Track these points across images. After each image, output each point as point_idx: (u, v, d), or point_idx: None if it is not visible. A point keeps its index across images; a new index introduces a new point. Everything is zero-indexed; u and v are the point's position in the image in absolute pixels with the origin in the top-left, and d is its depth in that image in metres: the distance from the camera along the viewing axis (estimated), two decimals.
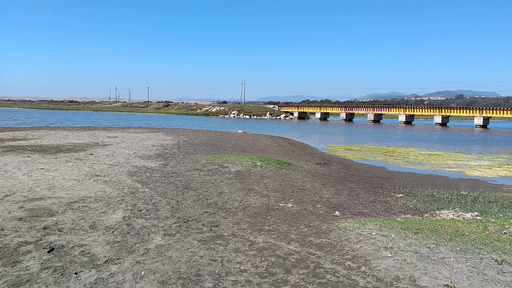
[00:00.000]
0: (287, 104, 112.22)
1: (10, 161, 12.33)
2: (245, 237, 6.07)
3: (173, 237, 5.97)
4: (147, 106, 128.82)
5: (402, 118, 77.60)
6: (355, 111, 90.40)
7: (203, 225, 6.64)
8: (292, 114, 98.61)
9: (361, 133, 46.55)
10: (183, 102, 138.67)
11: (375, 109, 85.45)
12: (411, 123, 77.21)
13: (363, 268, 4.95)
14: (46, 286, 4.25)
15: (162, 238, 5.90)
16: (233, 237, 6.08)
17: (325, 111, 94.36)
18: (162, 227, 6.43)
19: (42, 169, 11.17)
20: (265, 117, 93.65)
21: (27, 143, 18.12)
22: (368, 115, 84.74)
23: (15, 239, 5.56)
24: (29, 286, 4.23)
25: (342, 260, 5.21)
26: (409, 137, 39.77)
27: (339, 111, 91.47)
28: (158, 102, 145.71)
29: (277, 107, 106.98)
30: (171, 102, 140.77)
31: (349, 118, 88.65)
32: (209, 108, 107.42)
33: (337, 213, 7.75)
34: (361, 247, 5.68)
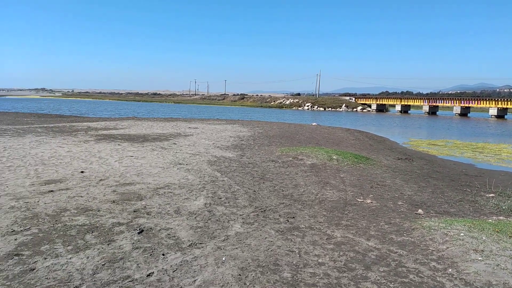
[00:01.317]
0: (364, 96, 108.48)
1: (103, 149, 13.52)
2: (322, 231, 6.03)
3: (251, 225, 6.13)
4: (224, 98, 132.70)
5: (493, 111, 70.69)
6: (439, 104, 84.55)
7: (279, 215, 6.71)
8: (369, 106, 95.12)
9: (446, 127, 43.49)
10: (257, 95, 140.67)
11: (462, 101, 79.06)
12: (503, 117, 70.13)
13: (450, 270, 4.67)
14: (138, 264, 4.62)
15: (241, 226, 6.09)
16: (310, 229, 6.07)
17: (406, 103, 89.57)
18: (240, 215, 6.62)
19: (131, 156, 12.09)
20: (341, 110, 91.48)
21: (117, 132, 19.70)
22: (454, 108, 78.68)
23: (109, 220, 6.10)
24: (123, 264, 4.62)
25: (426, 260, 4.95)
26: (502, 133, 36.30)
27: (422, 104, 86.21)
28: (234, 94, 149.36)
29: (353, 99, 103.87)
30: (246, 94, 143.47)
31: (433, 111, 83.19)
32: (283, 101, 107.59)
33: (420, 211, 7.36)
34: (448, 248, 5.34)
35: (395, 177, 11.00)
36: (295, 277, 4.41)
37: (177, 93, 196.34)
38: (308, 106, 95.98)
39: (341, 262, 4.85)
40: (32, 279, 4.15)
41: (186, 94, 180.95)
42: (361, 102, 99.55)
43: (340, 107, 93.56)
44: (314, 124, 34.90)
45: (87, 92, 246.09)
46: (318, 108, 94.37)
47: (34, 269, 4.37)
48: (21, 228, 5.58)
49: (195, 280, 4.27)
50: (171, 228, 5.85)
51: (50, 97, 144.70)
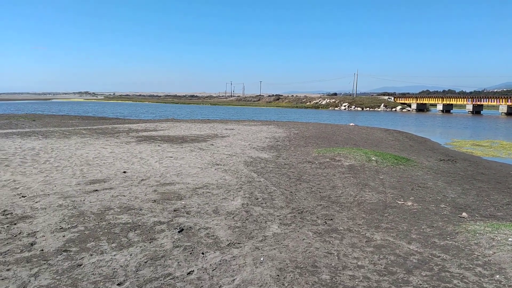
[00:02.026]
0: (403, 95, 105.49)
1: (144, 150, 13.94)
2: (361, 233, 5.93)
3: (289, 226, 6.12)
4: (259, 99, 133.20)
5: None
6: (484, 102, 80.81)
7: (317, 217, 6.66)
8: (409, 106, 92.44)
9: (491, 127, 41.51)
10: (293, 95, 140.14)
11: (509, 100, 75.14)
12: None
13: (497, 276, 4.46)
14: (178, 262, 4.73)
15: (278, 226, 6.10)
16: (348, 232, 5.99)
17: (448, 102, 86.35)
18: (277, 216, 6.63)
19: (171, 157, 12.40)
20: (379, 109, 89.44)
21: (157, 134, 20.24)
22: (500, 106, 74.92)
23: (151, 219, 6.29)
24: (164, 261, 4.75)
25: (471, 266, 4.76)
26: None
27: (465, 103, 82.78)
28: (269, 95, 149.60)
29: (392, 98, 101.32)
30: (282, 95, 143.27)
31: (477, 110, 79.69)
32: (319, 101, 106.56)
33: (464, 214, 7.08)
34: (495, 253, 5.11)
35: (437, 179, 10.63)
36: (334, 279, 4.37)
37: (214, 95, 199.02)
38: (345, 106, 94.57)
39: (381, 265, 4.76)
40: (79, 274, 4.35)
41: (222, 96, 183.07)
42: (400, 101, 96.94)
43: (379, 106, 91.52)
44: (351, 124, 34.34)
45: (127, 95, 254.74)
46: (356, 108, 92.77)
47: (81, 265, 4.58)
48: (69, 226, 5.86)
49: (234, 280, 4.33)
50: (210, 228, 5.95)
51: (93, 100, 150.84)
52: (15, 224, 5.87)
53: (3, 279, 4.18)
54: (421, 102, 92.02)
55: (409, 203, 7.74)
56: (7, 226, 5.75)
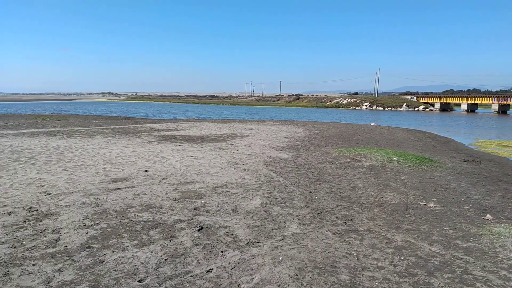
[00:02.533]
0: (426, 95, 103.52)
1: (165, 149, 14.13)
2: (382, 234, 5.86)
3: (308, 226, 6.10)
4: (278, 99, 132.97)
5: None
6: (511, 102, 78.44)
7: (337, 217, 6.62)
8: (432, 105, 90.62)
9: None
10: (313, 95, 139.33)
11: None
12: None
13: None
14: (198, 260, 4.78)
15: (297, 226, 6.09)
16: (368, 232, 5.92)
17: (472, 101, 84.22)
18: (297, 216, 6.62)
19: (191, 156, 12.53)
20: (401, 109, 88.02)
21: (178, 133, 20.48)
22: None
23: (171, 217, 6.37)
24: (184, 259, 4.82)
25: (495, 269, 4.65)
26: None
27: (490, 102, 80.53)
28: (289, 95, 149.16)
29: (415, 97, 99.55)
30: (301, 95, 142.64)
31: (503, 109, 77.42)
32: (340, 100, 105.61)
33: (488, 216, 6.90)
34: None
35: (461, 180, 10.39)
36: (353, 280, 4.34)
37: (233, 95, 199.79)
38: (366, 105, 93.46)
39: (401, 266, 4.69)
40: (102, 271, 4.45)
41: (242, 96, 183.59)
42: (423, 101, 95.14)
43: (401, 106, 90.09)
44: (373, 124, 33.91)
45: (149, 95, 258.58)
46: (377, 107, 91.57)
47: (103, 261, 4.69)
48: (92, 223, 6.00)
49: (252, 278, 4.35)
50: (229, 226, 5.99)
51: (116, 100, 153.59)
52: (40, 220, 6.05)
53: (29, 274, 4.32)
54: (445, 101, 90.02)
55: (431, 204, 7.60)
56: (33, 223, 5.93)
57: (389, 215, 6.87)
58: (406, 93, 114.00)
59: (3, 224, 5.85)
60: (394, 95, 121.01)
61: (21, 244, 5.13)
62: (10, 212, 6.39)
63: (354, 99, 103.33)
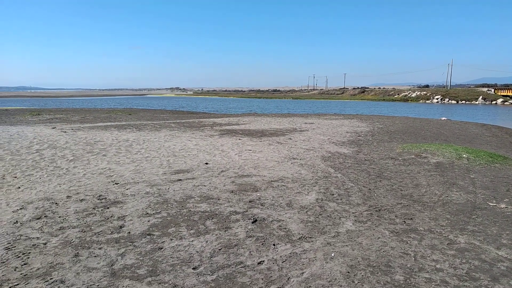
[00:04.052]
0: (506, 87, 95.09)
1: (225, 143, 14.48)
2: (443, 235, 5.54)
3: (364, 224, 5.95)
4: (342, 93, 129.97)
5: None
6: None
7: (395, 216, 6.37)
8: None
9: None
10: (379, 88, 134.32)
11: None
12: None
13: None
14: (250, 252, 4.88)
15: (352, 223, 5.96)
16: (429, 232, 5.64)
17: None
18: (353, 213, 6.48)
19: (250, 150, 12.72)
20: (476, 102, 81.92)
21: (239, 128, 20.86)
22: None
23: (227, 209, 6.55)
24: (237, 250, 4.94)
25: None
26: None
27: None
28: (354, 88, 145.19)
29: (492, 90, 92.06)
30: (367, 88, 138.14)
31: None
32: (408, 93, 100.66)
33: None
34: None
35: None
36: (408, 280, 4.17)
37: (296, 89, 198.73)
38: (437, 99, 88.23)
39: (462, 270, 4.41)
40: (160, 257, 4.71)
41: (305, 90, 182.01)
42: (502, 93, 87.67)
43: (476, 99, 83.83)
44: (443, 118, 31.98)
45: (214, 90, 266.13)
46: (450, 101, 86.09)
47: (162, 248, 4.95)
48: (153, 212, 6.35)
49: (303, 273, 4.35)
50: (283, 220, 6.02)
51: (183, 95, 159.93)
52: (108, 208, 6.52)
53: (95, 256, 4.69)
54: None
55: (503, 205, 7.03)
56: (101, 210, 6.42)
57: (453, 215, 6.47)
58: (483, 85, 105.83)
59: (76, 210, 6.40)
60: (469, 87, 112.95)
61: (90, 229, 5.58)
62: (82, 199, 6.97)
63: (424, 92, 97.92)
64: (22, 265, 4.44)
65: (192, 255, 4.77)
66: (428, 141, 15.97)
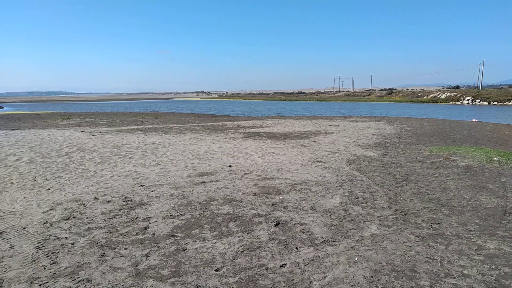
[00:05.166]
0: None
1: (249, 145, 14.53)
2: (472, 240, 5.38)
3: (389, 228, 5.84)
4: (369, 94, 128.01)
5: None
6: None
7: (422, 220, 6.23)
8: None
9: None
10: (407, 89, 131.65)
11: None
12: None
13: None
14: (272, 255, 4.88)
15: (377, 228, 5.86)
16: (457, 237, 5.48)
17: None
18: (378, 217, 6.37)
19: (273, 153, 12.72)
20: (509, 103, 78.99)
21: (262, 130, 20.89)
22: None
23: (250, 211, 6.56)
24: (259, 252, 4.94)
25: None
26: None
27: None
28: (381, 90, 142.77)
29: None
30: (395, 89, 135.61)
31: None
32: (438, 94, 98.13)
33: None
34: None
35: None
36: (433, 286, 4.06)
37: (321, 91, 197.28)
38: (468, 100, 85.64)
39: (491, 276, 4.27)
40: (183, 258, 4.77)
41: (330, 92, 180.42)
42: None
43: (509, 100, 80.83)
44: (474, 120, 31.01)
45: (239, 93, 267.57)
46: (481, 102, 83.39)
47: (185, 250, 5.02)
48: (178, 213, 6.44)
49: (325, 276, 4.31)
50: (306, 224, 5.98)
51: (208, 99, 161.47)
52: (133, 209, 6.66)
53: (121, 257, 4.80)
54: None
55: None
56: (127, 211, 6.56)
57: (482, 220, 6.26)
58: None
59: (103, 211, 6.58)
60: (502, 88, 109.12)
61: (116, 230, 5.72)
62: (109, 201, 7.15)
63: (454, 93, 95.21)
64: (51, 264, 4.60)
65: (214, 256, 4.81)
66: (458, 144, 15.53)
